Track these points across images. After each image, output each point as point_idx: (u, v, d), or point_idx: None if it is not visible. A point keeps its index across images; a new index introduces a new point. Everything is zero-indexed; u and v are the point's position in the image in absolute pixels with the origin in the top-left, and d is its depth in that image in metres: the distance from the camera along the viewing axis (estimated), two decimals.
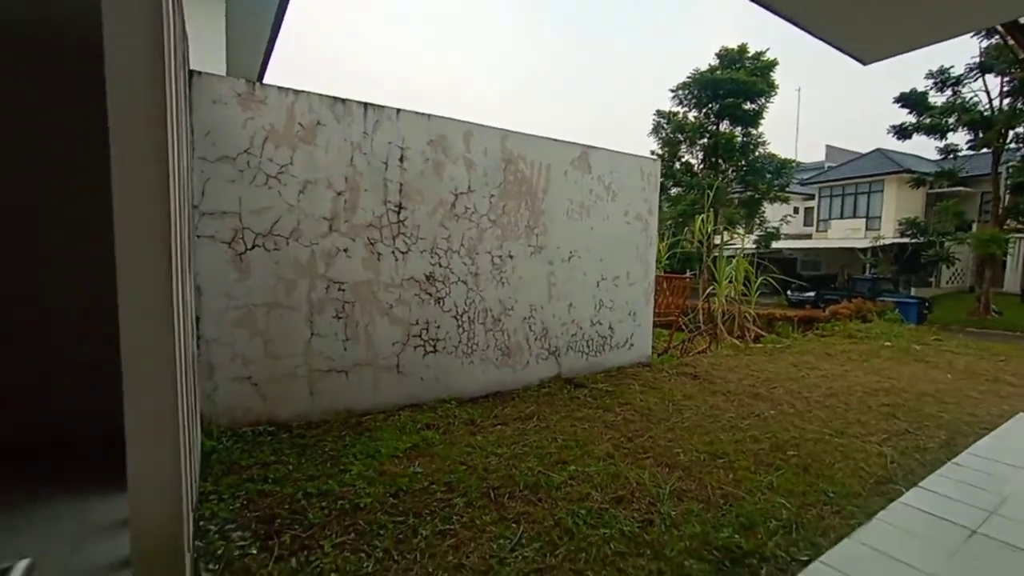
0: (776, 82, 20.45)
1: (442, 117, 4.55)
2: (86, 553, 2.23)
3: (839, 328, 10.20)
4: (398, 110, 4.29)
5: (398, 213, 4.31)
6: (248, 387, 3.68)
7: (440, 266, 4.57)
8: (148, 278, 1.64)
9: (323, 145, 3.94)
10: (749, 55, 20.72)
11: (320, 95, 3.93)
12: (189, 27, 3.45)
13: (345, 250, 4.05)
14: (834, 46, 2.60)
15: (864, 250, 24.05)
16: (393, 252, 4.29)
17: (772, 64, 20.55)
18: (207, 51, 3.86)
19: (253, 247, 3.67)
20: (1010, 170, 17.54)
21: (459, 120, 4.66)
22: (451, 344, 4.66)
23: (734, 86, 19.72)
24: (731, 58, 20.79)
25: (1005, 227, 17.49)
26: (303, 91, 3.85)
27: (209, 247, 3.50)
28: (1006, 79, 16.78)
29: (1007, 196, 17.65)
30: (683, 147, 21.59)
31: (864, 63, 2.81)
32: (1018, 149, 17.65)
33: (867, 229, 26.24)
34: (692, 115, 21.46)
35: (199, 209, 3.46)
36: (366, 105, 4.13)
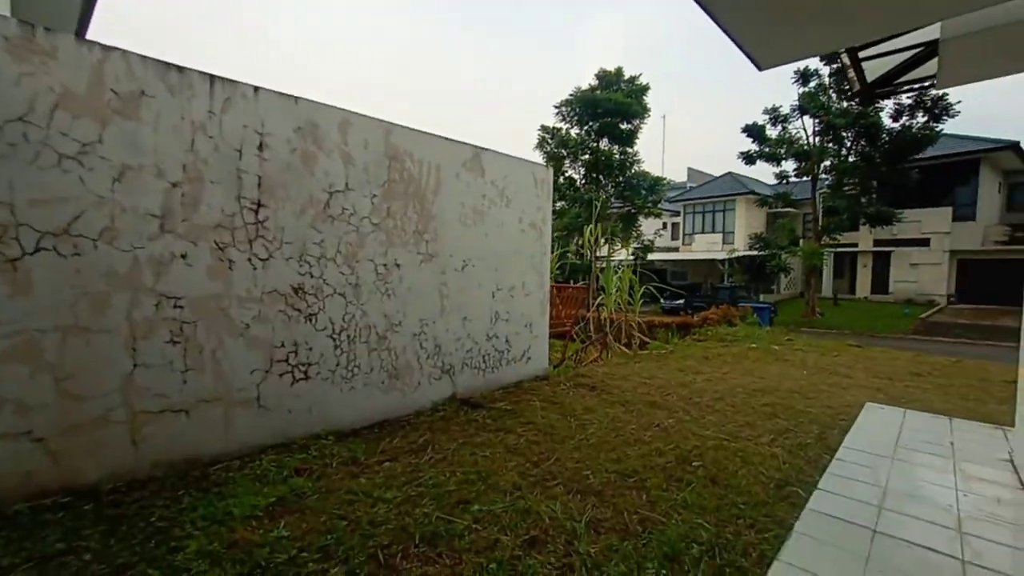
0: (648, 105, 22.27)
1: (312, 101, 3.87)
2: None
3: (711, 333, 11.08)
4: (256, 88, 3.54)
5: (256, 212, 3.54)
6: (27, 445, 2.65)
7: (311, 276, 3.86)
8: None
9: (150, 122, 3.07)
10: (625, 78, 22.31)
11: (145, 57, 3.06)
12: None
13: (183, 256, 3.19)
14: (736, 43, 2.53)
15: (722, 261, 27.13)
16: (250, 259, 3.50)
17: (645, 88, 22.34)
18: None
19: (37, 250, 2.68)
20: (822, 196, 21.00)
21: (334, 107, 4.02)
22: (327, 368, 3.95)
23: (612, 106, 21.04)
24: (609, 79, 22.21)
25: (822, 242, 20.77)
26: (117, 48, 2.96)
27: None
28: (816, 120, 20.06)
29: (822, 217, 21.02)
30: (567, 162, 22.48)
31: (760, 68, 2.81)
32: (827, 179, 21.15)
33: (724, 243, 29.76)
34: (575, 132, 22.49)
35: None
36: (212, 77, 3.33)
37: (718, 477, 3.36)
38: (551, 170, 6.50)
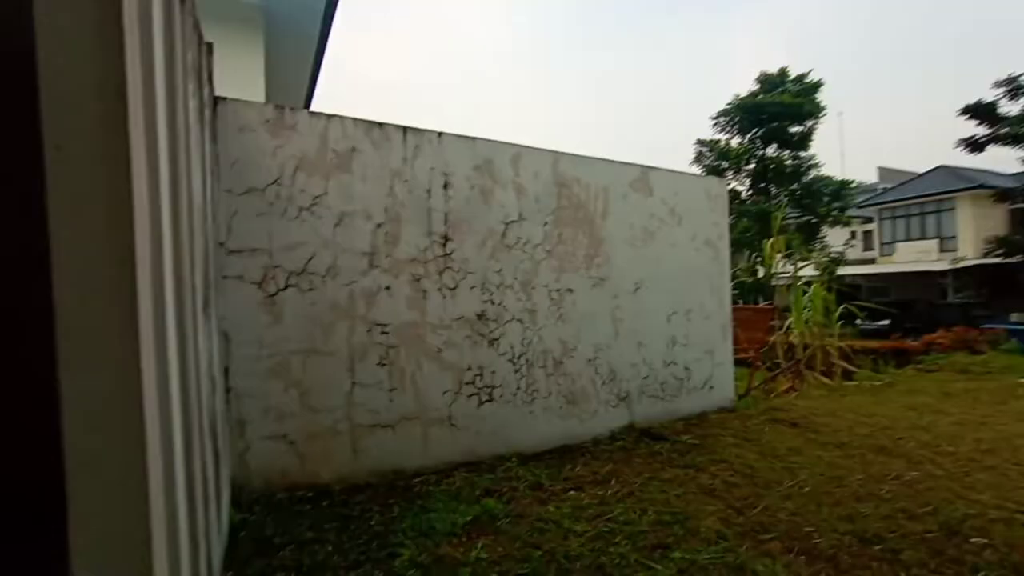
0: (822, 103, 19.59)
1: (488, 140, 4.13)
2: None
3: (944, 362, 8.87)
4: (439, 133, 3.90)
5: (444, 245, 3.84)
6: (283, 446, 3.17)
7: (492, 303, 4.02)
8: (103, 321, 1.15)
9: (359, 173, 3.56)
10: (790, 78, 20.06)
11: (355, 119, 3.59)
12: (221, 55, 3.21)
13: (387, 288, 3.58)
14: None
15: (943, 272, 21.98)
16: (440, 289, 3.79)
17: (816, 86, 19.80)
18: (244, 82, 3.63)
19: (286, 287, 3.25)
20: None
21: (506, 143, 4.23)
22: (508, 392, 4.04)
23: (779, 109, 19.01)
24: (772, 82, 20.19)
25: None
26: (336, 116, 3.51)
27: (237, 288, 3.10)
28: None
29: None
30: (729, 174, 20.77)
31: None
32: None
33: (941, 251, 24.14)
34: (735, 141, 20.77)
35: (225, 247, 3.08)
36: (405, 129, 3.76)
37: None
38: (725, 183, 5.97)
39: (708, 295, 5.46)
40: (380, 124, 3.68)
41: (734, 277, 14.08)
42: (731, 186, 21.12)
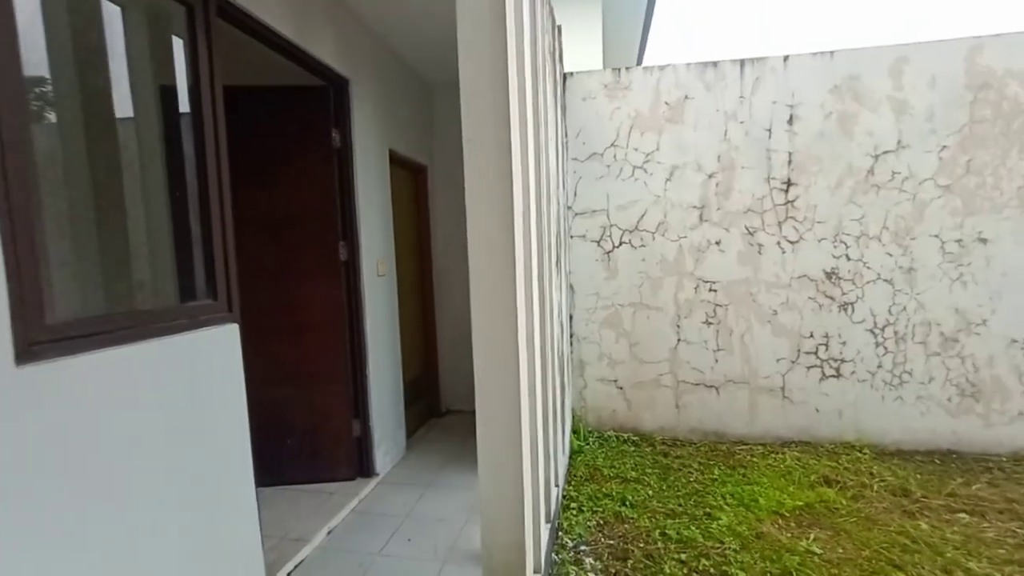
0: None
1: (852, 50, 3.24)
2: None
3: None
4: (785, 57, 3.30)
5: (785, 192, 3.33)
6: (614, 390, 3.58)
7: (848, 259, 3.30)
8: (495, 285, 1.53)
9: (691, 122, 3.40)
10: None
11: (688, 64, 3.39)
12: (568, 35, 3.55)
13: (717, 243, 3.41)
14: None
15: None
16: (779, 243, 3.35)
17: None
18: (582, 51, 3.92)
19: (620, 244, 3.51)
20: None
21: (882, 47, 3.22)
22: (865, 369, 3.32)
23: None
24: None
25: None
26: (668, 65, 3.41)
27: (580, 246, 3.54)
28: None
29: None
30: None
31: None
32: None
33: None
34: None
35: (572, 209, 3.53)
36: (742, 62, 3.33)
37: None
38: None
39: None
40: (714, 63, 3.38)
41: None
42: None
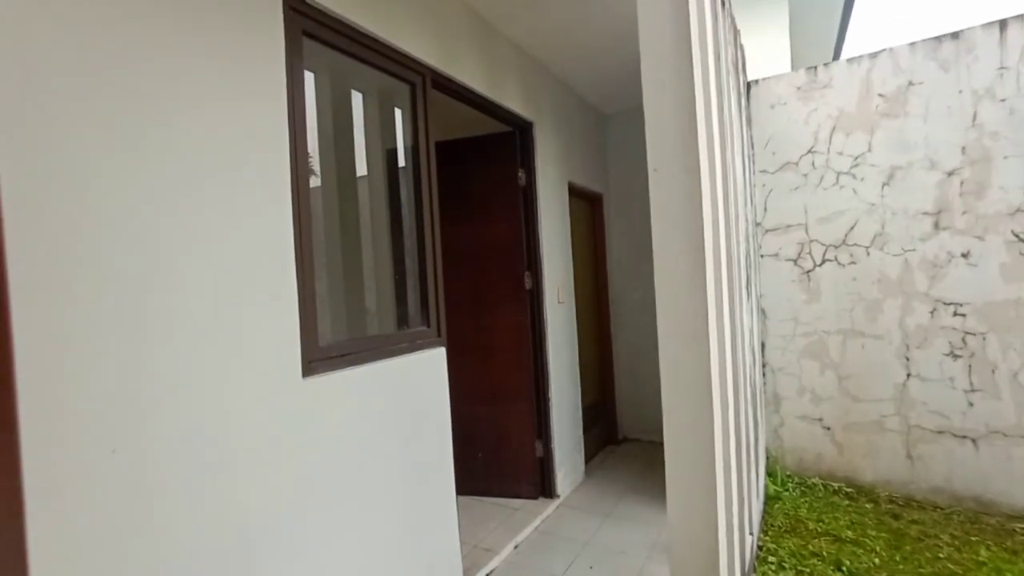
0: None
1: None
2: None
3: None
4: None
5: None
6: (819, 430, 3.08)
7: None
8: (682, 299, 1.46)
9: (919, 112, 2.83)
10: None
11: (911, 44, 2.85)
12: (748, 37, 3.31)
13: (964, 255, 2.73)
14: None
15: None
16: None
17: None
18: (768, 53, 3.59)
19: (823, 262, 3.06)
20: None
21: None
22: None
23: None
24: None
25: None
26: (883, 50, 2.90)
27: (772, 266, 3.19)
28: None
29: None
30: None
31: None
32: None
33: None
34: None
35: (761, 226, 3.21)
36: (1002, 24, 2.66)
37: None
38: None
39: None
40: (954, 35, 2.78)
41: None
42: None
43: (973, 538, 2.43)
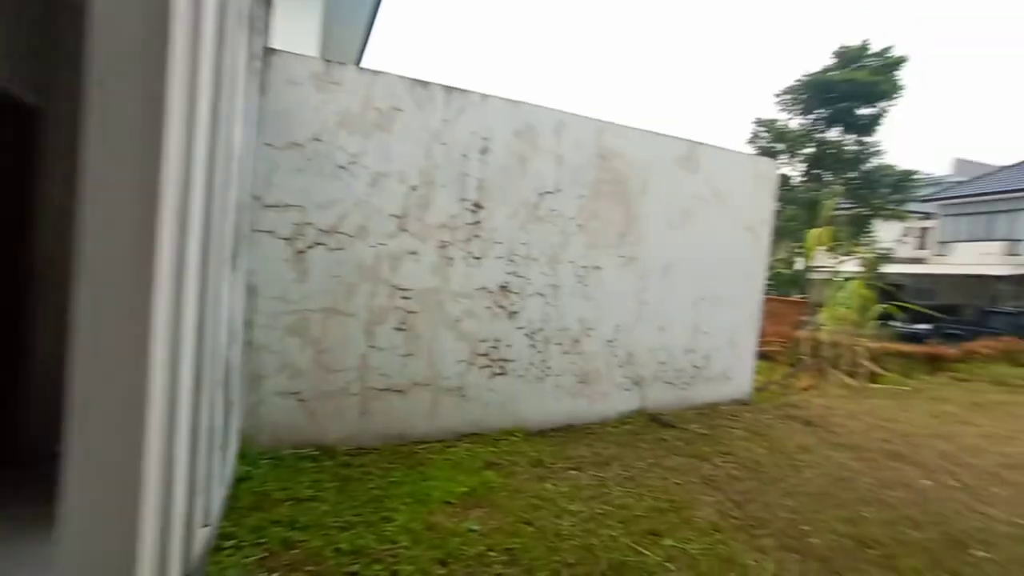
0: (901, 83, 17.99)
1: (533, 104, 3.98)
2: None
3: (980, 371, 8.50)
4: (483, 95, 3.77)
5: (475, 213, 3.79)
6: (295, 403, 3.30)
7: (517, 276, 4.00)
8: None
9: (399, 133, 3.50)
10: (872, 52, 18.41)
11: (401, 77, 3.49)
12: (281, 7, 3.12)
13: (414, 253, 3.59)
14: None
15: (1000, 278, 20.68)
16: (466, 257, 3.77)
17: (898, 62, 18.10)
18: (300, 36, 3.54)
19: (315, 245, 3.29)
20: None
21: (551, 108, 4.07)
22: (521, 366, 4.08)
23: (851, 88, 17.56)
24: (850, 56, 18.56)
25: None
26: (383, 72, 3.43)
27: (268, 243, 3.16)
28: None
29: None
30: (783, 158, 19.58)
31: None
32: None
33: (1008, 254, 22.51)
34: (796, 122, 19.44)
35: (260, 200, 3.11)
36: (449, 89, 3.64)
37: None
38: (776, 166, 5.65)
39: (741, 283, 5.29)
40: (425, 83, 3.57)
41: (770, 267, 13.59)
42: (783, 170, 19.99)
43: (393, 466, 3.23)
